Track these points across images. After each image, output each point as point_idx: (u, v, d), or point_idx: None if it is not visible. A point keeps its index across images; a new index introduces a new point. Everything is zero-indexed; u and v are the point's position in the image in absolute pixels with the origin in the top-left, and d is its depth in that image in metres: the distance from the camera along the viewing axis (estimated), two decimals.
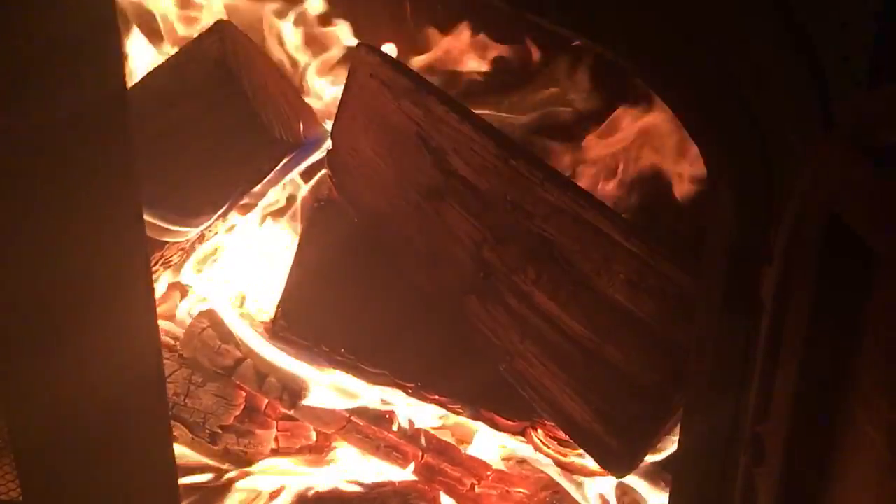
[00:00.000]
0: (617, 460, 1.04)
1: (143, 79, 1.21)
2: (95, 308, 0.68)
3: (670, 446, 1.09)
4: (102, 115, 0.64)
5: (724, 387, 0.85)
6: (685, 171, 1.25)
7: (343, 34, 1.39)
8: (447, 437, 1.33)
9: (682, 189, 1.26)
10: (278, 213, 1.46)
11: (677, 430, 0.96)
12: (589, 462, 1.14)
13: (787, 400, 0.65)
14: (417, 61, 1.36)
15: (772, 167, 0.77)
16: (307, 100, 1.40)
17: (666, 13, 0.71)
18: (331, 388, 1.26)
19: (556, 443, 1.18)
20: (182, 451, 1.26)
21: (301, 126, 1.33)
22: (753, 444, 0.73)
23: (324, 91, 1.44)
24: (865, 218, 0.52)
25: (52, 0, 0.58)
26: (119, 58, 0.67)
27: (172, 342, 1.32)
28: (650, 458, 1.11)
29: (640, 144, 1.27)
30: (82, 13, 0.60)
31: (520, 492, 1.29)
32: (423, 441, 1.28)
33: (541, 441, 1.18)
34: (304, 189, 1.44)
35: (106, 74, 0.66)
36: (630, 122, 1.28)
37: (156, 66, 1.23)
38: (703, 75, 0.73)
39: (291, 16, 1.38)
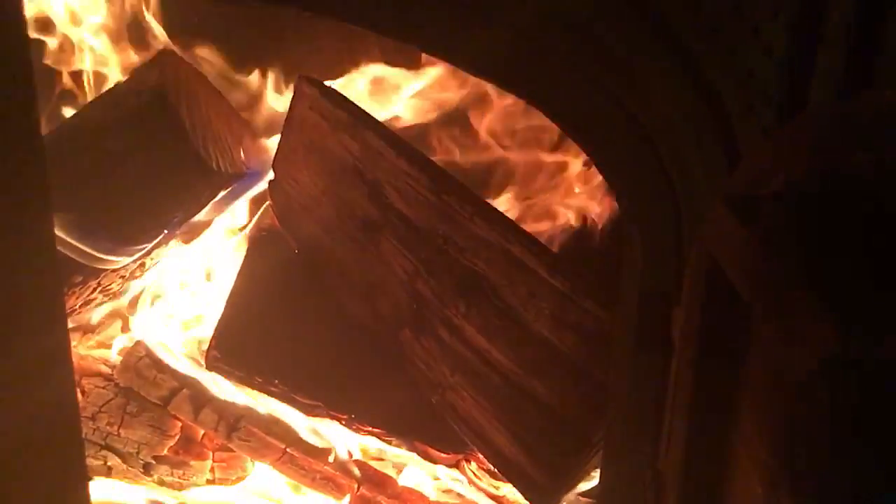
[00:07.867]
0: (541, 493, 1.05)
1: (82, 108, 1.22)
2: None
3: (595, 477, 1.10)
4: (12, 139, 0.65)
5: (640, 424, 0.87)
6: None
7: None
8: (387, 469, 1.33)
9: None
10: (225, 241, 1.46)
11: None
12: (521, 496, 1.15)
13: (679, 439, 0.66)
14: None
15: (680, 213, 0.79)
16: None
17: (576, 68, 0.73)
18: None
19: (488, 475, 1.18)
20: (114, 483, 1.24)
21: (244, 156, 1.34)
22: (654, 480, 0.75)
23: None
24: (734, 266, 0.54)
25: None
26: (31, 90, 0.68)
27: (109, 371, 1.31)
28: (577, 489, 1.12)
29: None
30: None
31: None
32: (358, 473, 1.27)
33: (473, 473, 1.19)
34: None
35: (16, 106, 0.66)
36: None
37: (96, 95, 1.24)
38: (611, 125, 0.75)
39: None
